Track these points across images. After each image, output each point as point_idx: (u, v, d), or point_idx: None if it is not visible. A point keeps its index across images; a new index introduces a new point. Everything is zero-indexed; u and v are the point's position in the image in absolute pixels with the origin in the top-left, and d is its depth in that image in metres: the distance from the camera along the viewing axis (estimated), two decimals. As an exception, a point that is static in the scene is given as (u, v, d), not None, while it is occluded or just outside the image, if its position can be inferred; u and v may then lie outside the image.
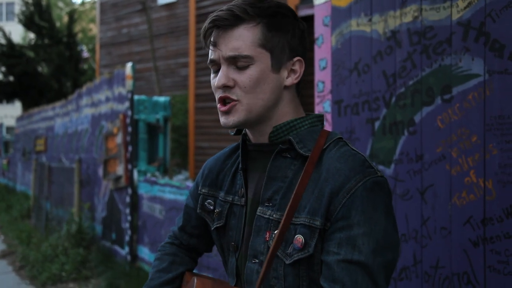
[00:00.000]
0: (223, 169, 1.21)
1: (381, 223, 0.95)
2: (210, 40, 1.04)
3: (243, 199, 1.11)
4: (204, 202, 1.21)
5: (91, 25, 26.26)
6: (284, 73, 1.06)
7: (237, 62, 1.02)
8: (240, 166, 1.14)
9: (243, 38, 1.01)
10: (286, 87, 1.07)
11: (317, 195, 0.98)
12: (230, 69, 1.03)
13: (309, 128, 1.08)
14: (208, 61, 1.06)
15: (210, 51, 1.05)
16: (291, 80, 1.07)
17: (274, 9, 1.03)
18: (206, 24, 1.03)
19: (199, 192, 1.23)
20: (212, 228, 1.18)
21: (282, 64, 1.05)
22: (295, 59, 1.06)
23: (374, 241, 0.93)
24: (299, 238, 0.98)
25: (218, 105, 1.05)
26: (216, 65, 1.05)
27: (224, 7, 1.03)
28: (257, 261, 1.05)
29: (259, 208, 1.06)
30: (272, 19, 1.03)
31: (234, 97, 1.03)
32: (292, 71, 1.07)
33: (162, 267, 1.25)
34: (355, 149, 1.03)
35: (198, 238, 1.29)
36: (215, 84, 1.04)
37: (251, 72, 1.01)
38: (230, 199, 1.15)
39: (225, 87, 1.03)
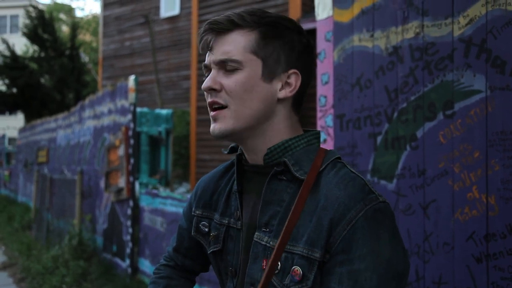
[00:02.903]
0: (217, 189, 1.16)
1: (384, 253, 0.90)
2: (203, 44, 1.02)
3: (239, 222, 1.06)
4: (198, 224, 1.16)
5: (92, 37, 26.40)
6: (278, 84, 1.01)
7: (226, 66, 0.99)
8: (235, 187, 1.09)
9: (235, 43, 0.98)
10: (280, 101, 1.02)
11: (316, 224, 0.93)
12: (220, 73, 1.00)
13: (305, 147, 1.03)
14: (203, 66, 1.05)
15: (206, 56, 1.04)
16: (284, 92, 1.01)
17: (274, 19, 1.00)
18: (202, 28, 1.02)
19: (192, 213, 1.19)
20: (209, 252, 1.13)
21: (275, 74, 1.01)
22: (291, 71, 1.01)
23: (377, 275, 0.89)
24: (297, 270, 0.93)
25: (210, 112, 1.03)
26: (208, 70, 1.03)
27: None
28: None
29: (256, 233, 1.01)
30: (270, 28, 1.00)
31: (221, 101, 0.99)
32: (287, 84, 1.01)
33: None
34: (354, 171, 0.99)
35: (193, 259, 1.25)
36: (202, 86, 1.01)
37: (238, 77, 0.98)
38: (226, 221, 1.09)
39: (211, 90, 1.00)
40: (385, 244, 0.91)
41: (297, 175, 0.99)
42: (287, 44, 1.01)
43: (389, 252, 0.91)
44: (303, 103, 1.08)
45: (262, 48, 0.99)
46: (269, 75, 1.00)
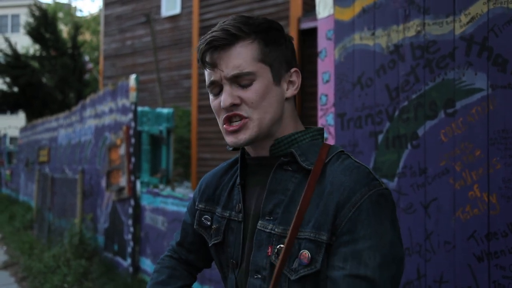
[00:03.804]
0: (220, 184, 1.20)
1: (387, 236, 0.94)
2: (208, 62, 1.03)
3: (240, 214, 1.10)
4: (201, 218, 1.20)
5: (92, 37, 26.40)
6: (284, 85, 1.07)
7: (240, 80, 1.01)
8: (238, 181, 1.12)
9: (242, 56, 1.01)
10: (286, 99, 1.08)
11: (322, 209, 0.97)
12: (234, 87, 1.02)
13: (311, 141, 1.07)
14: (208, 83, 1.05)
15: (208, 72, 1.04)
16: (291, 91, 1.07)
17: (266, 24, 1.04)
18: (202, 46, 1.02)
19: (196, 207, 1.22)
20: (210, 245, 1.17)
21: (281, 76, 1.06)
22: (292, 70, 1.08)
23: (380, 255, 0.92)
24: (305, 254, 0.96)
25: (224, 126, 1.04)
26: (217, 87, 1.04)
27: (217, 27, 1.03)
28: (259, 276, 1.02)
29: (260, 222, 1.04)
30: (266, 34, 1.04)
31: (244, 113, 1.02)
32: (291, 82, 1.08)
33: (160, 280, 1.24)
34: (358, 161, 1.03)
35: (196, 254, 1.28)
36: (222, 105, 1.02)
37: (256, 88, 1.01)
38: (227, 214, 1.13)
39: (232, 106, 1.02)
40: (387, 228, 0.95)
41: (304, 165, 1.03)
42: (283, 45, 1.07)
43: (391, 236, 0.95)
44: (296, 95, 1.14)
45: (267, 55, 1.03)
46: (277, 78, 1.05)
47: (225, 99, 1.02)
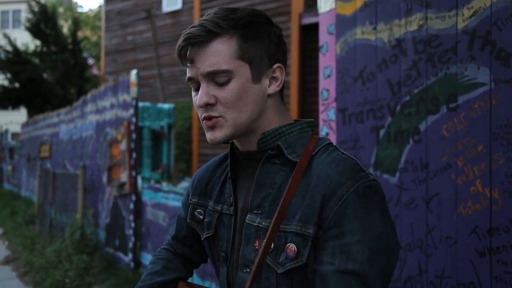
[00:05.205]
0: (212, 178, 1.19)
1: (375, 228, 0.93)
2: (185, 58, 1.01)
3: (232, 208, 1.09)
4: (194, 211, 1.20)
5: (92, 33, 26.36)
6: (266, 81, 1.03)
7: (216, 77, 0.99)
8: (229, 174, 1.12)
9: (219, 53, 0.98)
10: (269, 95, 1.05)
11: (309, 201, 0.96)
12: (210, 85, 1.00)
13: (299, 134, 1.06)
14: (187, 79, 1.04)
15: (187, 69, 1.03)
16: (273, 88, 1.04)
17: (247, 18, 1.01)
18: (179, 42, 1.00)
19: (189, 202, 1.22)
20: (202, 238, 1.17)
21: (263, 73, 1.03)
22: (275, 66, 1.04)
23: (369, 248, 0.91)
24: (291, 247, 0.95)
25: (204, 122, 1.03)
26: (195, 83, 1.02)
27: (196, 22, 1.01)
28: (248, 270, 1.02)
29: (248, 215, 1.04)
30: (247, 29, 1.00)
31: (216, 114, 1.00)
32: (273, 78, 1.04)
33: (155, 270, 1.25)
34: (345, 153, 1.01)
35: (191, 248, 1.29)
36: (197, 103, 1.01)
37: (232, 87, 0.99)
38: (219, 208, 1.13)
39: (207, 105, 1.01)
40: (376, 220, 0.94)
41: (290, 157, 1.01)
42: (265, 40, 1.03)
43: (380, 228, 0.94)
44: (283, 89, 1.11)
45: (246, 51, 1.00)
46: (257, 75, 1.02)
47: (200, 97, 1.00)
